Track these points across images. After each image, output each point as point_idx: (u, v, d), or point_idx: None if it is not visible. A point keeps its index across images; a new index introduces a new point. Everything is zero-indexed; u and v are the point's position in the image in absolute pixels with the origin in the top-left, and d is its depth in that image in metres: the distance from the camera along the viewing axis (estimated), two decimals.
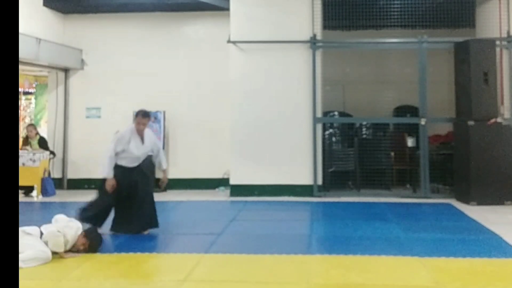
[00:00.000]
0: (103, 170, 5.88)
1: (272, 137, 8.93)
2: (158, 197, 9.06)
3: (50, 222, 5.23)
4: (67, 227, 5.09)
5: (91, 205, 6.05)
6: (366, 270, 4.54)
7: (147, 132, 6.08)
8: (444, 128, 9.77)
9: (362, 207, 7.91)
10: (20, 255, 4.50)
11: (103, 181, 5.91)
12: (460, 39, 8.60)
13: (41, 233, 4.98)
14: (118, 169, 5.89)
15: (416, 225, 6.52)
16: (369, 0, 9.35)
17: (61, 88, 10.40)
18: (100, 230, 5.63)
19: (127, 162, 5.92)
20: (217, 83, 9.82)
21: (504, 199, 7.85)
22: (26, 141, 9.64)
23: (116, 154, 5.87)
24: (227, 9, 9.18)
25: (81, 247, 5.10)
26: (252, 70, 9.08)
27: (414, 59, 9.04)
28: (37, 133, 9.78)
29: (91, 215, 5.90)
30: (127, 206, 5.92)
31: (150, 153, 6.14)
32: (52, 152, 9.78)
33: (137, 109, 9.81)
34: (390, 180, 9.20)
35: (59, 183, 10.05)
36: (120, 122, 10.02)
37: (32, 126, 10.02)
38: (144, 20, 10.24)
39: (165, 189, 9.67)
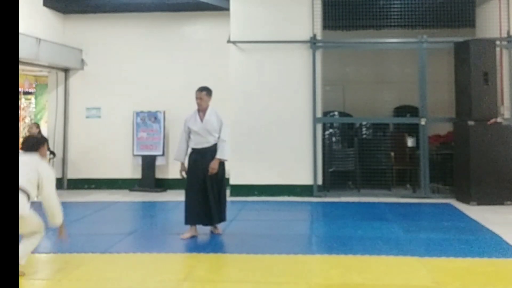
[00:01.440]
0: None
1: (272, 137, 8.93)
2: (158, 197, 9.10)
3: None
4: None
5: (185, 207, 5.88)
6: (366, 270, 4.54)
7: (211, 111, 5.96)
8: (444, 128, 9.77)
9: (362, 207, 7.91)
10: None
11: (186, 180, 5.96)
12: (460, 39, 8.60)
13: None
14: (191, 155, 5.93)
15: (416, 225, 6.51)
16: (369, 0, 9.35)
17: (61, 88, 10.39)
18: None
19: (194, 143, 5.91)
20: (217, 83, 9.71)
21: (504, 199, 7.85)
22: None
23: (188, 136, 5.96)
24: (227, 9, 9.18)
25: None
26: (252, 70, 9.08)
27: (414, 59, 9.04)
28: (39, 132, 9.77)
29: (191, 216, 5.81)
30: (203, 194, 5.78)
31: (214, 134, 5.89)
32: (52, 152, 9.78)
33: (137, 109, 10.02)
34: (390, 180, 9.19)
35: (59, 183, 10.01)
36: (120, 122, 10.08)
37: (35, 124, 10.02)
38: (144, 20, 10.24)
39: (165, 189, 9.71)
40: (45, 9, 9.79)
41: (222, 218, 6.00)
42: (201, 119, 5.90)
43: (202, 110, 5.96)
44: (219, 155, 5.80)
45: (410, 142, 9.49)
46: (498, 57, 8.57)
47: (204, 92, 6.01)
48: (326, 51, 9.38)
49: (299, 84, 8.96)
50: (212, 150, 5.84)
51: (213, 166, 5.75)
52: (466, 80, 8.24)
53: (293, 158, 8.87)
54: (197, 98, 5.99)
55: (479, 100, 8.09)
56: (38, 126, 10.01)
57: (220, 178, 5.93)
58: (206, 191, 5.79)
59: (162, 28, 10.22)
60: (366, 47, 9.76)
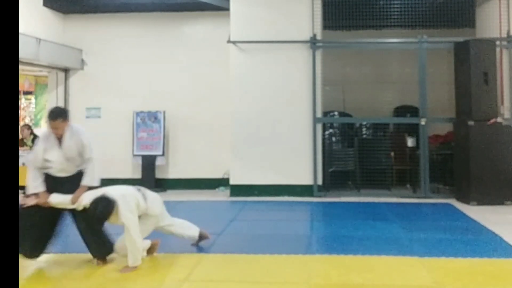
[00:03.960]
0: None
1: (272, 137, 8.93)
2: None
3: None
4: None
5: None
6: (366, 270, 4.54)
7: (70, 132, 4.83)
8: (444, 128, 9.77)
9: (362, 207, 7.91)
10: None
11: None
12: (460, 39, 8.59)
13: None
14: (47, 180, 4.85)
15: (416, 225, 6.51)
16: (369, 0, 9.35)
17: (61, 88, 10.39)
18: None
19: (51, 170, 4.89)
20: (217, 83, 9.82)
21: (504, 199, 7.85)
22: (22, 142, 9.63)
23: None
24: (227, 9, 9.17)
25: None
26: (252, 70, 9.08)
27: (414, 59, 9.04)
28: (32, 133, 9.78)
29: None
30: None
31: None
32: None
33: (137, 109, 10.03)
34: (390, 180, 9.20)
35: None
36: (120, 122, 10.08)
37: (25, 126, 10.05)
38: (144, 20, 10.23)
39: (165, 189, 9.71)
40: (45, 9, 9.79)
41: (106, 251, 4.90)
42: (59, 146, 4.78)
43: (59, 136, 4.79)
44: (84, 181, 4.73)
45: (410, 142, 9.49)
46: (498, 57, 8.58)
47: (59, 120, 4.74)
48: (326, 51, 9.37)
49: (299, 84, 8.96)
50: (74, 178, 4.79)
51: (77, 194, 4.64)
52: (466, 80, 8.24)
53: (293, 158, 8.87)
54: (52, 128, 4.76)
55: (479, 100, 8.09)
56: (29, 127, 10.03)
57: (92, 213, 4.48)
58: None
59: (162, 28, 10.22)
60: (366, 47, 9.76)
